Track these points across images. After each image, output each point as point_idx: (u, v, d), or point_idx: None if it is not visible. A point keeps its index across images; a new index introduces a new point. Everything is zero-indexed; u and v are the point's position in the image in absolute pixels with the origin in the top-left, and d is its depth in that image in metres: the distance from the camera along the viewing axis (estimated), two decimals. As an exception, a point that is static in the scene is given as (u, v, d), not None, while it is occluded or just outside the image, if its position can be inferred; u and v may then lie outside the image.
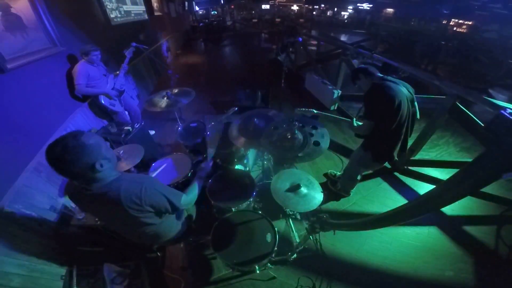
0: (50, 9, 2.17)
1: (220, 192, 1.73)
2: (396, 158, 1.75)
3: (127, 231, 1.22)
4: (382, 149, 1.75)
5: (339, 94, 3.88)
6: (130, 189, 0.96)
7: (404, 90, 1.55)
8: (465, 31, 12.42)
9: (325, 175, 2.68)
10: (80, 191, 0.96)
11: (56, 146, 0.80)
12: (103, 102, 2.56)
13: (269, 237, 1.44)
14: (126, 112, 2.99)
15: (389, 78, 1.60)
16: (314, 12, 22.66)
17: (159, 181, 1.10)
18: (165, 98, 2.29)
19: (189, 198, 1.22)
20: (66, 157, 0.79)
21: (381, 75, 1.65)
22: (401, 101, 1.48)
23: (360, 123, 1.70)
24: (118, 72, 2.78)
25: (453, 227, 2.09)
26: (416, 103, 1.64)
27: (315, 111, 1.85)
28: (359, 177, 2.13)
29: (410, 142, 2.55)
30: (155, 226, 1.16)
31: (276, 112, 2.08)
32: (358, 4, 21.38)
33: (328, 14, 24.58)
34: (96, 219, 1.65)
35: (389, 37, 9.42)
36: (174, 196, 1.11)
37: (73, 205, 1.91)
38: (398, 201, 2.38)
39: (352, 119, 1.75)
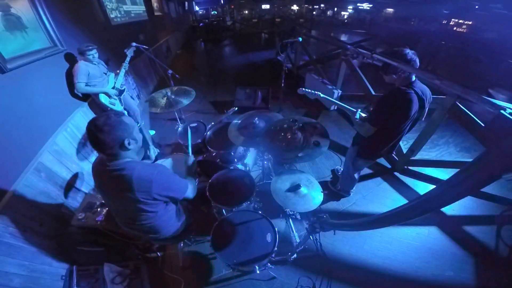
0: (50, 9, 2.16)
1: (220, 192, 1.73)
2: (380, 157, 1.73)
3: (126, 217, 1.22)
4: (370, 148, 1.73)
5: (339, 94, 3.88)
6: (144, 172, 1.04)
7: (419, 100, 1.42)
8: (465, 31, 12.40)
9: (332, 171, 2.71)
10: (100, 165, 1.07)
11: (100, 118, 0.95)
12: (102, 101, 2.55)
13: (269, 237, 1.44)
14: (126, 112, 2.99)
15: (417, 83, 1.45)
16: (314, 12, 22.67)
17: (171, 170, 1.18)
18: (165, 98, 2.29)
19: (192, 187, 1.29)
20: (105, 128, 0.93)
21: (413, 78, 1.46)
22: (412, 115, 1.40)
23: (364, 115, 1.64)
24: (118, 71, 2.78)
25: (453, 227, 2.09)
26: (426, 109, 1.52)
27: (321, 95, 1.81)
28: (356, 176, 2.12)
29: (410, 142, 2.58)
30: (154, 217, 1.17)
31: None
32: (358, 4, 21.37)
33: (328, 14, 24.59)
34: (102, 201, 1.75)
35: (389, 37, 9.42)
36: (183, 185, 1.21)
37: (73, 205, 1.92)
38: (398, 201, 2.38)
39: (356, 110, 1.66)
